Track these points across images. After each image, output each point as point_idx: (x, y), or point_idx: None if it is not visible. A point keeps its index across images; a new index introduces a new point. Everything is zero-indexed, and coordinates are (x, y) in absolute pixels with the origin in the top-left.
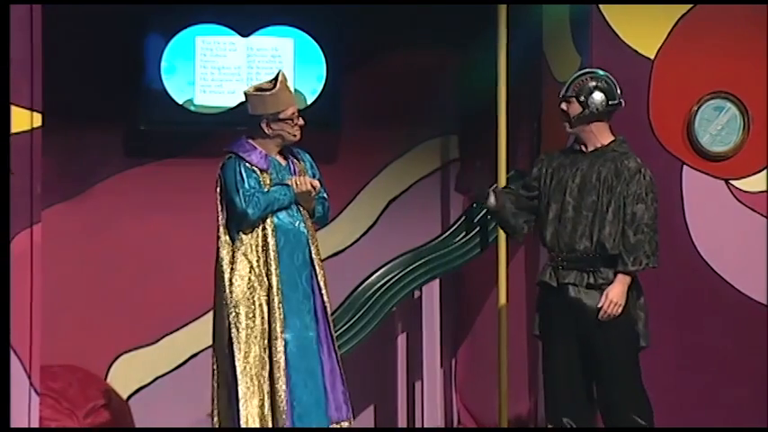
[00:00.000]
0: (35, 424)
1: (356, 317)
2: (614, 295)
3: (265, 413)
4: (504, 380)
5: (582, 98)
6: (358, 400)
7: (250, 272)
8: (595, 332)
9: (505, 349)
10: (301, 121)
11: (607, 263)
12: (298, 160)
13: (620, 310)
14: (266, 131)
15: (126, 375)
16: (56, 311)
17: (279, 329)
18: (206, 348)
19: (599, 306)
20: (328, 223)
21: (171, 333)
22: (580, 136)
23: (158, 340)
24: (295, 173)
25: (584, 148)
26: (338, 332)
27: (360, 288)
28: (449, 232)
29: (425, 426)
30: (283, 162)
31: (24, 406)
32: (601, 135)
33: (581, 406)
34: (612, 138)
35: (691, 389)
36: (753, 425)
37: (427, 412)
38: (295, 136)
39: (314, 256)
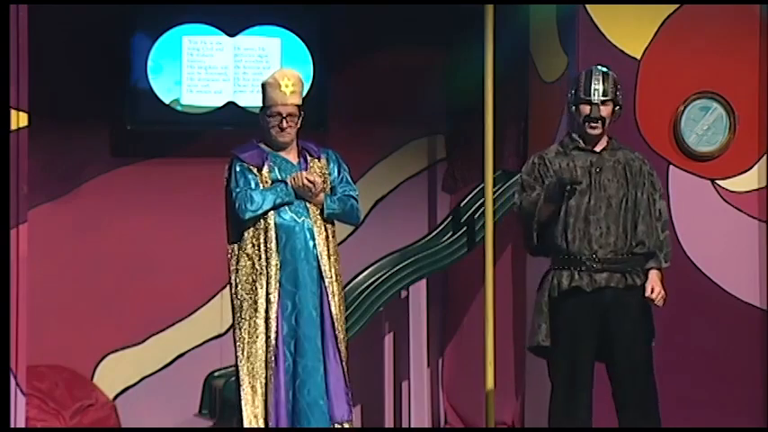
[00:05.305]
0: (21, 424)
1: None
2: (661, 288)
3: (269, 412)
4: (490, 379)
5: (618, 97)
6: None
7: (252, 271)
8: (627, 331)
9: (492, 349)
10: (285, 124)
11: (641, 261)
12: (318, 159)
13: (662, 303)
14: (261, 123)
15: (112, 375)
16: (42, 311)
17: (277, 327)
18: (192, 348)
19: (649, 296)
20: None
21: (157, 333)
22: (598, 136)
23: (145, 340)
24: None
25: (593, 148)
26: None
27: (347, 288)
28: (436, 232)
29: (412, 425)
30: (295, 160)
31: (11, 406)
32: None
33: (588, 412)
34: (608, 136)
35: (674, 388)
36: (740, 424)
37: (414, 412)
38: (275, 136)
39: (320, 252)
